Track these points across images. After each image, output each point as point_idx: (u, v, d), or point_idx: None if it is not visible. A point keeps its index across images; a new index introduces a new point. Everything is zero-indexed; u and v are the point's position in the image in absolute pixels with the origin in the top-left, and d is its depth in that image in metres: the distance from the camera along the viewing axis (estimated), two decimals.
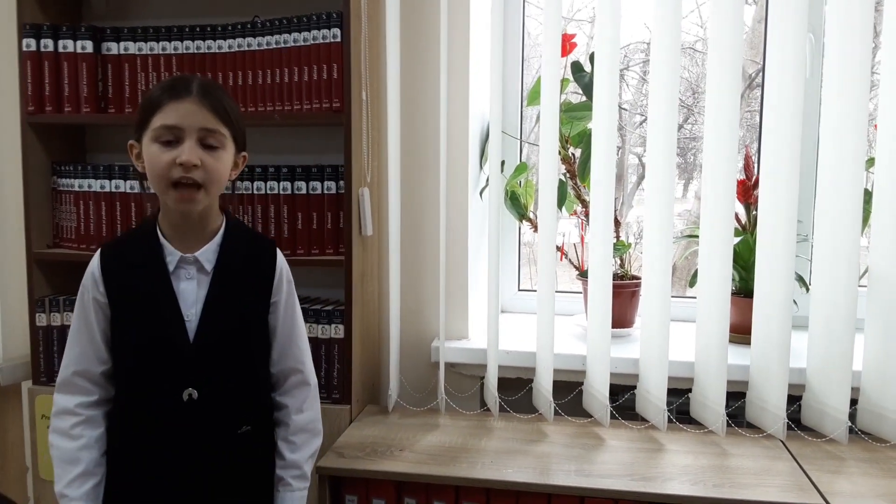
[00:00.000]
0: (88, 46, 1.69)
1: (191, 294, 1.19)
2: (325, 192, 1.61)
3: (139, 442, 1.18)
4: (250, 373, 1.24)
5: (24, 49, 1.68)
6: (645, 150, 3.22)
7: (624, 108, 2.48)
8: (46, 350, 1.75)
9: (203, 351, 1.18)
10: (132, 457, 1.19)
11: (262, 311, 1.25)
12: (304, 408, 1.29)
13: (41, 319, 1.75)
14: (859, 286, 1.43)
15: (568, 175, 1.80)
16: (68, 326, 1.72)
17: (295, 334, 1.29)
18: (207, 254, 1.20)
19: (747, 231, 1.74)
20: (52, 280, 1.78)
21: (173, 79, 1.19)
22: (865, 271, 1.51)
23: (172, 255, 1.19)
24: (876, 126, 1.52)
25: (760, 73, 2.22)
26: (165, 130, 1.12)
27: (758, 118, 2.15)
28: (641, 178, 3.36)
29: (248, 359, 1.24)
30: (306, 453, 1.27)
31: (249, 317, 1.23)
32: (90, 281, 1.21)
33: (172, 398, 1.17)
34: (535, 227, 1.84)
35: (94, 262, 1.22)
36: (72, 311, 1.72)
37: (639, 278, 1.80)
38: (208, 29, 1.65)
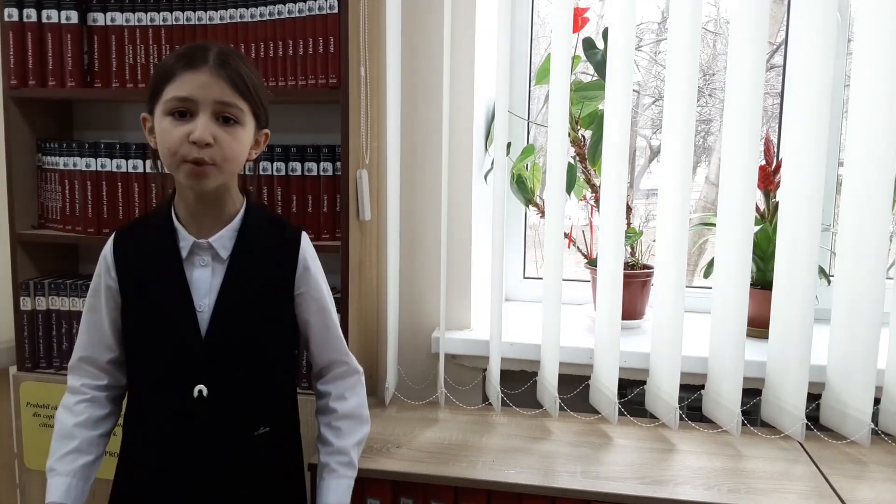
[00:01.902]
0: (73, 17, 1.60)
1: (204, 283, 1.10)
2: (321, 173, 1.53)
3: (149, 439, 1.12)
4: (267, 370, 1.16)
5: (6, 19, 1.60)
6: (654, 132, 3.13)
7: (634, 90, 2.39)
8: (31, 335, 1.68)
9: (215, 345, 1.10)
10: (142, 455, 1.13)
11: (282, 304, 1.16)
12: (348, 395, 1.22)
13: (26, 303, 1.68)
14: (887, 278, 1.35)
15: (577, 158, 1.71)
16: (54, 310, 1.68)
17: (332, 324, 1.21)
18: (223, 239, 1.11)
19: (766, 219, 1.65)
20: (37, 262, 1.71)
21: (189, 46, 1.08)
22: (894, 262, 1.43)
23: (186, 240, 1.10)
24: None
25: (774, 54, 2.12)
26: (178, 102, 1.02)
27: (770, 100, 2.06)
28: (650, 160, 3.27)
29: (265, 355, 1.15)
30: (353, 440, 1.19)
31: (268, 309, 1.14)
32: (103, 266, 1.14)
33: (181, 394, 1.09)
34: (542, 213, 1.76)
35: (108, 247, 1.15)
36: (57, 294, 1.68)
37: (650, 267, 1.72)
38: None
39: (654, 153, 3.22)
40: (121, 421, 1.18)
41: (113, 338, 1.15)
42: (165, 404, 1.10)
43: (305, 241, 1.19)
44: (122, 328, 1.15)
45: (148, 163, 1.60)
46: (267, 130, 1.14)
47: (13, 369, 1.72)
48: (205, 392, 1.09)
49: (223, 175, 1.06)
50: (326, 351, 1.21)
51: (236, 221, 1.13)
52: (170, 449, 1.10)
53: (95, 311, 1.15)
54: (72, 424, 1.13)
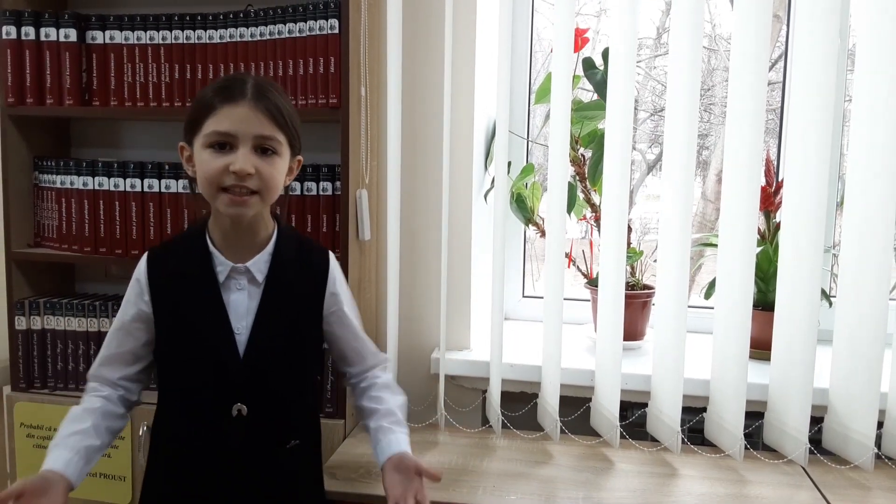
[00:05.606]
0: (72, 35, 1.60)
1: (241, 306, 1.13)
2: (321, 193, 1.52)
3: (185, 456, 1.14)
4: (299, 385, 1.20)
5: (4, 37, 1.59)
6: (649, 146, 3.13)
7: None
8: (26, 355, 1.66)
9: (253, 365, 1.13)
10: (178, 470, 1.14)
11: (312, 324, 1.20)
12: (380, 373, 1.28)
13: (20, 323, 1.66)
14: (889, 300, 1.34)
15: (577, 178, 1.70)
16: (49, 330, 1.66)
17: (360, 333, 1.26)
18: (259, 264, 1.14)
19: (766, 240, 1.65)
20: (32, 281, 1.70)
21: (227, 78, 1.12)
22: None
23: (223, 265, 1.13)
24: None
25: (769, 70, 2.13)
26: (218, 136, 1.06)
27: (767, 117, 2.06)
28: (646, 173, 3.27)
29: (298, 371, 1.19)
30: (396, 402, 1.24)
31: (300, 329, 1.18)
32: (136, 289, 1.16)
33: (220, 413, 1.12)
34: (542, 232, 1.75)
35: (141, 269, 1.16)
36: (53, 314, 1.66)
37: (651, 287, 1.71)
38: (199, 18, 1.56)
39: (650, 167, 3.23)
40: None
41: (131, 358, 1.17)
42: (203, 422, 1.13)
43: (333, 263, 1.23)
44: (155, 351, 1.17)
45: (146, 182, 1.59)
46: (300, 157, 1.17)
47: (7, 389, 1.69)
48: (244, 411, 1.12)
49: (263, 204, 1.10)
50: (363, 359, 1.27)
51: (270, 246, 1.16)
52: (206, 464, 1.13)
53: (122, 330, 1.16)
54: (83, 409, 1.13)
